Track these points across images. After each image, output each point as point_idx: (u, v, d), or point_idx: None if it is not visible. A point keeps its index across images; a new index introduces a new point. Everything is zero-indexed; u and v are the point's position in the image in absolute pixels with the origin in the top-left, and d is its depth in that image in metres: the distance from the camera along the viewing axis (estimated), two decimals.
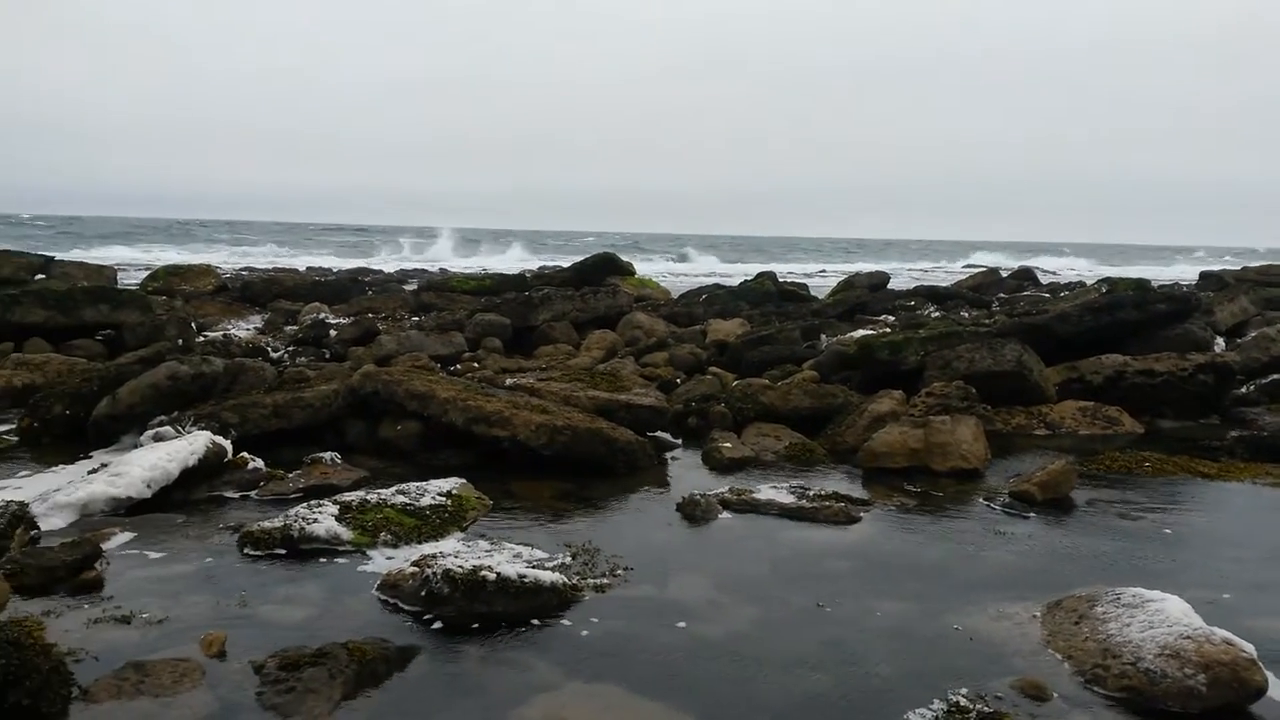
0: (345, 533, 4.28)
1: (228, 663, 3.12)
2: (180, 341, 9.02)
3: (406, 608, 3.61)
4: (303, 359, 9.08)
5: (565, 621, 3.55)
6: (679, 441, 6.58)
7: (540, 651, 3.31)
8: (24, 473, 5.39)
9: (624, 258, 15.45)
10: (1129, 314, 8.55)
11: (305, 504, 4.53)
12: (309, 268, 27.51)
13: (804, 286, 16.77)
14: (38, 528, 4.24)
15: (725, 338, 10.01)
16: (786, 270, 33.58)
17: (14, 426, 6.38)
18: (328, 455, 5.65)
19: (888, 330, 10.41)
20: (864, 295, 15.22)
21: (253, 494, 5.11)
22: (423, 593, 3.60)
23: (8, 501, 4.23)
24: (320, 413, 6.12)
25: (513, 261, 37.50)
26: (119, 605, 3.55)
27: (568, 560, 4.16)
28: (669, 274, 32.21)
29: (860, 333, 10.01)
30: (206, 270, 16.04)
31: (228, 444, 5.38)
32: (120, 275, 15.40)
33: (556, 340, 10.29)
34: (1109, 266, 48.68)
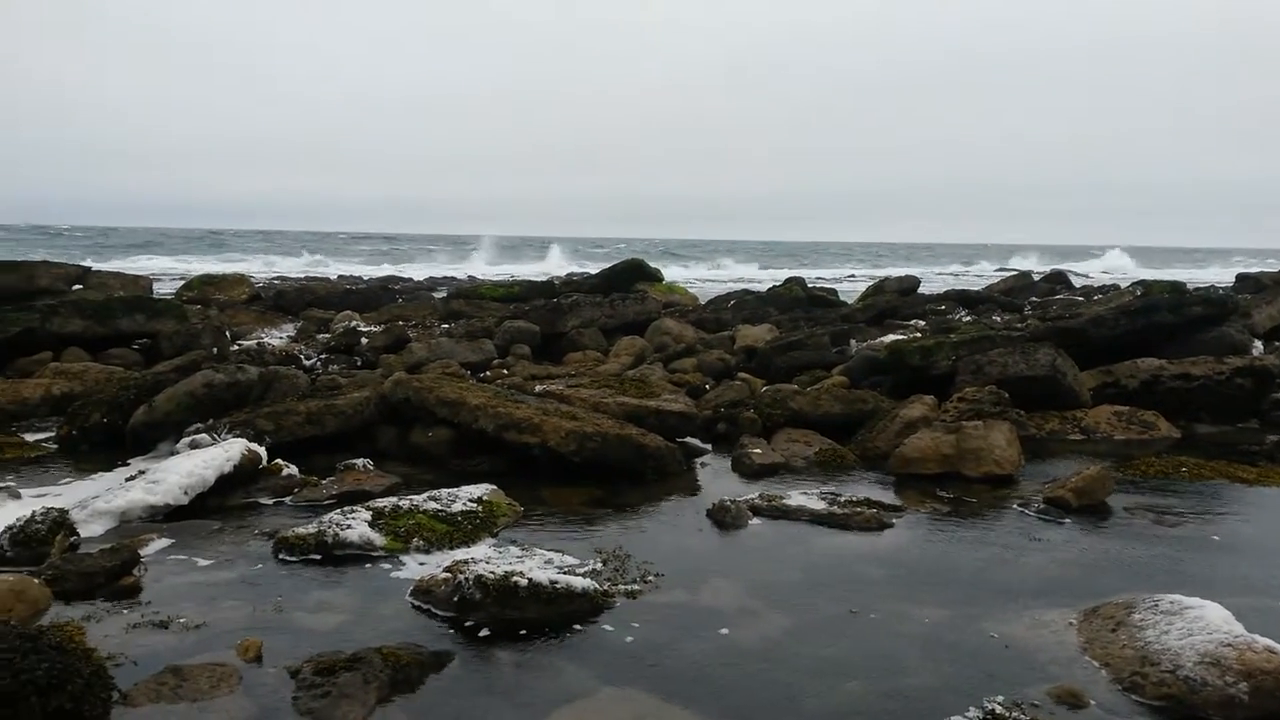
0: (378, 538, 4.32)
1: (263, 667, 3.15)
2: (215, 350, 9.14)
3: (439, 613, 3.63)
4: (335, 367, 9.17)
5: (597, 627, 3.56)
6: (708, 447, 6.56)
7: (572, 657, 3.32)
8: (64, 480, 5.48)
9: (657, 264, 15.43)
10: (1164, 317, 8.42)
11: (339, 510, 4.58)
12: (340, 275, 27.81)
13: (833, 291, 16.68)
14: (77, 534, 4.32)
15: (754, 343, 9.98)
16: (815, 275, 33.49)
17: (53, 434, 6.49)
18: (360, 462, 5.70)
19: (918, 335, 10.34)
20: (894, 300, 15.12)
21: (287, 500, 5.16)
22: (455, 598, 3.63)
23: (48, 509, 4.31)
24: (353, 420, 6.18)
25: (549, 267, 37.68)
26: (157, 610, 3.60)
27: (599, 566, 4.17)
28: (696, 279, 32.23)
29: (891, 337, 9.95)
30: (240, 280, 16.25)
31: (262, 451, 5.45)
32: (156, 285, 15.61)
33: (585, 347, 10.30)
34: (1145, 269, 48.11)
